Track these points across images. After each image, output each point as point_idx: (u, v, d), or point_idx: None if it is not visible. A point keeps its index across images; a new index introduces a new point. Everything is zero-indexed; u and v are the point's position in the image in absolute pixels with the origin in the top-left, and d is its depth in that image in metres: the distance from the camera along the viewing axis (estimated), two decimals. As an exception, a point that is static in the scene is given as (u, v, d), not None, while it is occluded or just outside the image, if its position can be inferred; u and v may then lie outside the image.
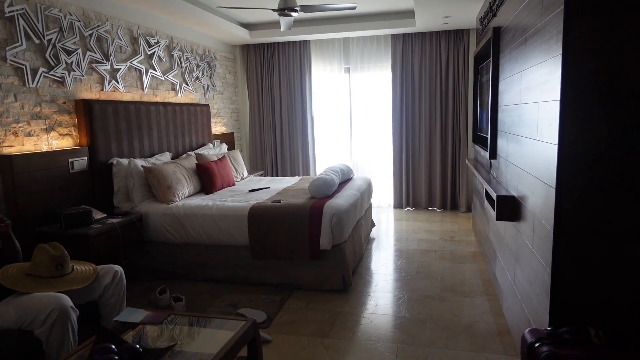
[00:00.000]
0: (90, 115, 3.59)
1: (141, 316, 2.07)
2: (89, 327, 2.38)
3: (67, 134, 3.51)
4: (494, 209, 2.72)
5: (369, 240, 4.84)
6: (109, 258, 3.35)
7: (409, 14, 5.45)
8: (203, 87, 5.62)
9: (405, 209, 6.31)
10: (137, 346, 1.67)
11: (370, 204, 4.98)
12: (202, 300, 3.36)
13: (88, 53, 3.66)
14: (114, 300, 2.46)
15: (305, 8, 4.03)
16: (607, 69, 1.66)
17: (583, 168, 1.73)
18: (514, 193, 2.60)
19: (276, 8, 4.04)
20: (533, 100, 2.16)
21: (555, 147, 1.76)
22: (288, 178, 5.22)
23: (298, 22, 5.73)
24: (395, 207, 6.39)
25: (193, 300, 3.35)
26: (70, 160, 3.44)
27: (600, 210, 1.73)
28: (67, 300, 2.08)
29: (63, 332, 2.04)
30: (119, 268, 2.53)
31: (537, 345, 1.65)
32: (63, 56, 3.40)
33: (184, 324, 2.05)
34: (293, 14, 4.04)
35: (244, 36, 5.91)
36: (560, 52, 1.71)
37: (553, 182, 1.79)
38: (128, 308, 2.21)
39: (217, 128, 6.10)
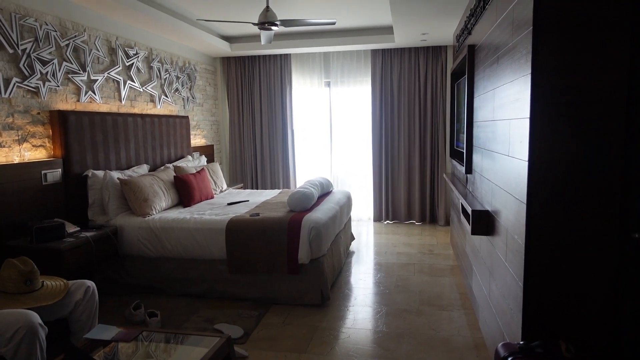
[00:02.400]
0: (65, 126, 3.53)
1: (112, 333, 2.02)
2: (59, 345, 2.31)
3: (40, 145, 3.43)
4: (469, 223, 2.76)
5: (349, 254, 4.84)
6: (82, 273, 3.28)
7: (388, 30, 5.54)
8: (183, 98, 5.59)
9: (385, 222, 6.35)
10: (107, 365, 1.63)
11: (350, 217, 4.99)
12: (178, 315, 3.30)
13: (64, 63, 3.61)
14: (85, 317, 2.40)
15: (285, 22, 4.06)
16: (574, 88, 1.72)
17: (552, 184, 1.77)
18: (488, 208, 2.64)
19: (256, 22, 4.06)
20: (505, 117, 2.22)
21: (526, 164, 1.80)
22: (267, 191, 5.20)
23: (279, 36, 5.77)
24: (375, 220, 6.42)
25: (169, 315, 3.28)
26: (43, 172, 3.37)
27: (570, 225, 1.77)
28: (36, 317, 2.01)
29: (30, 350, 1.97)
30: (91, 283, 2.47)
31: (509, 359, 1.67)
32: (38, 66, 3.35)
33: (156, 341, 2.01)
34: (273, 28, 4.07)
35: (225, 49, 5.92)
36: (530, 71, 1.76)
37: (524, 198, 1.83)
38: (99, 325, 2.16)
39: (197, 140, 6.06)
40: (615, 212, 1.72)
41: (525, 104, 1.82)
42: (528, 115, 1.78)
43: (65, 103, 3.67)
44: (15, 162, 3.17)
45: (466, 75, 3.36)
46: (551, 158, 1.76)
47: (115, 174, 3.88)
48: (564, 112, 1.73)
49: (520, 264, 1.90)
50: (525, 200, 1.82)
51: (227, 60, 6.59)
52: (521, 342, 1.75)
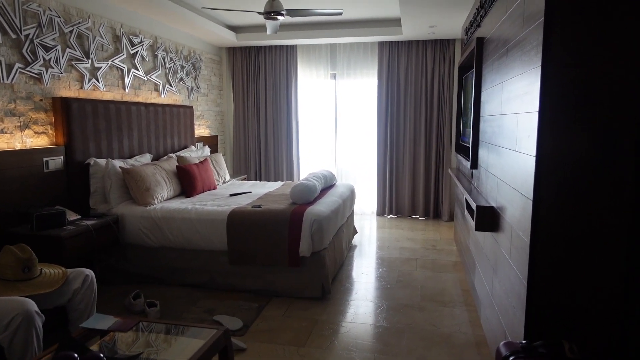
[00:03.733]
0: (68, 113, 3.50)
1: (109, 323, 2.00)
2: (56, 333, 2.31)
3: (42, 132, 3.41)
4: (473, 219, 2.72)
5: (351, 248, 4.81)
6: (82, 261, 3.28)
7: (395, 22, 5.47)
8: (187, 88, 5.56)
9: (388, 217, 6.31)
10: (101, 355, 1.61)
11: (353, 210, 4.95)
12: (177, 305, 3.29)
13: (68, 50, 3.58)
14: (83, 305, 2.39)
15: (291, 12, 4.00)
16: (585, 82, 1.66)
17: (561, 181, 1.72)
18: (493, 204, 2.59)
19: (262, 11, 4.01)
20: (513, 111, 2.16)
21: (533, 159, 1.76)
22: (270, 183, 5.17)
23: (285, 27, 5.71)
24: (378, 214, 6.38)
25: (168, 305, 3.27)
26: (45, 159, 3.35)
27: (577, 223, 1.72)
28: (32, 305, 2.00)
29: (27, 338, 1.96)
30: (89, 272, 2.45)
31: (511, 359, 1.64)
32: (41, 52, 3.32)
33: (153, 332, 1.99)
34: (279, 17, 4.02)
35: (231, 38, 5.86)
36: (540, 63, 1.71)
37: (530, 194, 1.78)
38: (97, 314, 2.14)
39: (201, 130, 6.03)
40: (626, 210, 1.67)
41: (534, 97, 1.77)
42: (537, 109, 1.72)
43: (68, 90, 3.64)
44: (16, 149, 3.16)
45: (474, 68, 3.29)
46: (559, 153, 1.71)
47: (118, 163, 3.86)
48: (574, 106, 1.68)
49: (524, 262, 1.86)
50: (531, 197, 1.77)
51: (232, 50, 6.54)
52: (523, 342, 1.71)
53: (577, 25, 1.65)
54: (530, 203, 1.78)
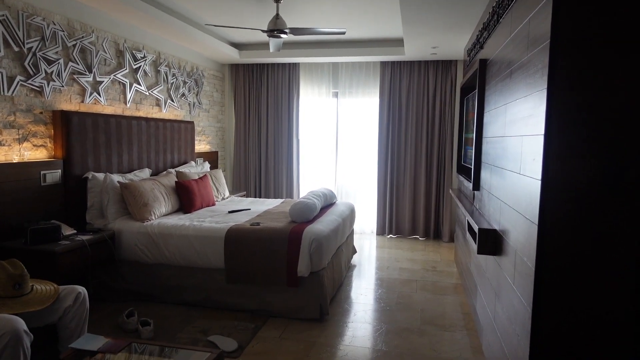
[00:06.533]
0: (67, 126, 3.48)
1: (100, 343, 1.94)
2: (45, 352, 2.24)
3: (41, 145, 3.39)
4: (475, 242, 2.67)
5: (350, 267, 4.74)
6: (76, 277, 3.21)
7: (398, 42, 5.50)
8: (189, 104, 5.56)
9: (388, 236, 6.24)
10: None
11: (353, 230, 4.90)
12: (171, 324, 3.21)
13: (70, 64, 3.57)
14: (74, 324, 2.32)
15: (294, 30, 4.02)
16: (592, 106, 1.63)
17: (567, 205, 1.68)
18: (496, 226, 2.55)
19: (265, 29, 4.02)
20: (517, 133, 2.13)
21: (539, 183, 1.72)
22: (270, 200, 5.13)
23: (288, 44, 5.74)
24: (378, 233, 6.31)
25: (162, 324, 3.19)
26: (42, 172, 3.31)
27: (583, 250, 1.68)
28: (21, 324, 1.94)
29: (14, 358, 1.89)
30: (82, 289, 2.39)
31: (516, 390, 1.57)
32: (43, 65, 3.31)
33: (145, 353, 1.92)
34: (282, 36, 4.03)
35: (234, 55, 5.89)
36: (546, 86, 1.68)
37: (535, 219, 1.74)
38: (87, 334, 2.08)
39: (201, 146, 6.01)
40: (636, 237, 1.62)
41: (540, 120, 1.74)
42: (543, 132, 1.69)
43: (69, 103, 3.63)
44: (14, 162, 3.12)
45: (477, 90, 3.28)
46: (566, 178, 1.67)
47: (116, 177, 3.82)
48: (581, 130, 1.65)
49: (529, 288, 1.80)
50: (537, 221, 1.73)
51: (235, 67, 6.57)
52: (528, 372, 1.65)
53: (582, 49, 1.63)
54: (536, 228, 1.73)
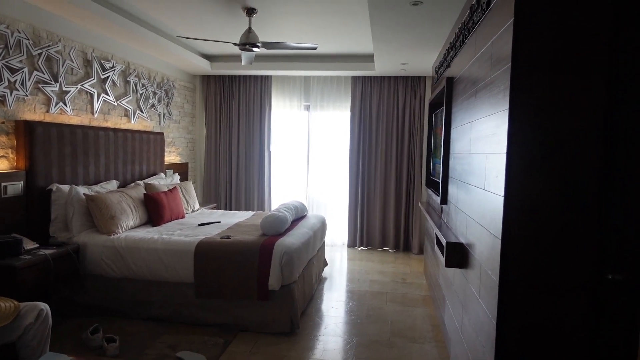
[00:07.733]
0: (31, 137, 3.38)
1: (63, 362, 1.87)
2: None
3: (2, 156, 3.27)
4: (443, 255, 2.73)
5: (321, 280, 4.75)
6: (38, 293, 3.09)
7: (369, 58, 5.61)
8: (158, 115, 5.48)
9: (359, 249, 6.29)
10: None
11: (324, 242, 4.92)
12: (138, 340, 3.13)
13: (35, 72, 3.48)
14: (35, 342, 2.23)
15: (266, 45, 4.05)
16: (551, 127, 1.72)
17: (528, 221, 1.75)
18: (462, 240, 2.62)
19: (238, 42, 4.04)
20: (482, 150, 2.22)
21: (502, 199, 1.79)
22: (241, 213, 5.10)
23: (260, 57, 5.77)
24: (349, 246, 6.35)
25: (128, 340, 3.11)
26: (3, 184, 3.19)
27: (544, 263, 1.75)
28: (-22, 343, 1.86)
29: (-31, 379, 1.81)
30: (45, 306, 2.31)
31: (481, 401, 1.61)
32: (6, 74, 3.22)
33: (110, 372, 1.87)
34: (255, 49, 4.06)
35: (205, 67, 5.87)
36: (508, 106, 1.76)
37: (499, 233, 1.81)
38: (49, 353, 2.01)
39: (171, 157, 5.93)
40: (591, 253, 1.71)
41: (502, 139, 1.82)
42: (505, 150, 1.77)
43: (33, 113, 3.53)
44: (-27, 173, 3.01)
45: (444, 107, 3.39)
46: (527, 195, 1.75)
47: (82, 189, 3.72)
48: (541, 150, 1.73)
49: (493, 301, 1.86)
50: (500, 236, 1.79)
51: (206, 79, 6.53)
52: (493, 383, 1.70)
53: (543, 71, 1.72)
54: (499, 242, 1.80)
